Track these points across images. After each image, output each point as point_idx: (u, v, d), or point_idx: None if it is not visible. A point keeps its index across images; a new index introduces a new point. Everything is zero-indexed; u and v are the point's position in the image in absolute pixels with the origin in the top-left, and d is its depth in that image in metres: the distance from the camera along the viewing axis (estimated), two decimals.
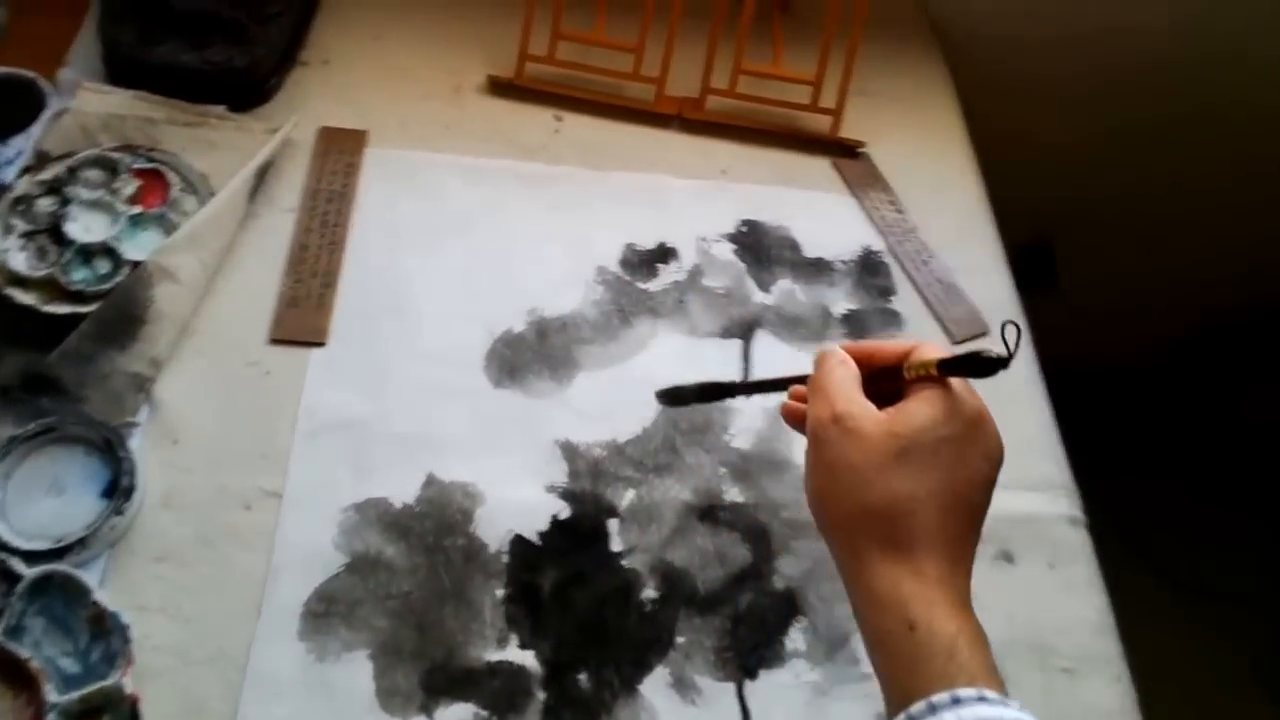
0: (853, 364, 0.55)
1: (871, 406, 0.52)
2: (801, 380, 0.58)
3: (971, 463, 0.50)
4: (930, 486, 0.49)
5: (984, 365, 0.50)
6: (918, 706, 0.44)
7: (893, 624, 0.47)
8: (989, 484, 0.51)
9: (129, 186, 0.81)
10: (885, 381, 0.54)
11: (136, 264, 0.77)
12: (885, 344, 0.56)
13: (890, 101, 1.09)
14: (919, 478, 0.49)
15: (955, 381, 0.52)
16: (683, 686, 0.70)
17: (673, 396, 0.70)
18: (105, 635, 0.63)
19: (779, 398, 0.79)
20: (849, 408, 0.51)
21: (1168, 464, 1.91)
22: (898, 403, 0.52)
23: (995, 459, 0.51)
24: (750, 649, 0.72)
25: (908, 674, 0.46)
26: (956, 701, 0.43)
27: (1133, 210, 1.51)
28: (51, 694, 0.60)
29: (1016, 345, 0.49)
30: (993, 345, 0.50)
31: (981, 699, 0.44)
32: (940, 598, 0.47)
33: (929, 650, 0.46)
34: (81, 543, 0.66)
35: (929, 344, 0.54)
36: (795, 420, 0.58)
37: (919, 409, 0.50)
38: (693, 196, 0.96)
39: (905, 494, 0.49)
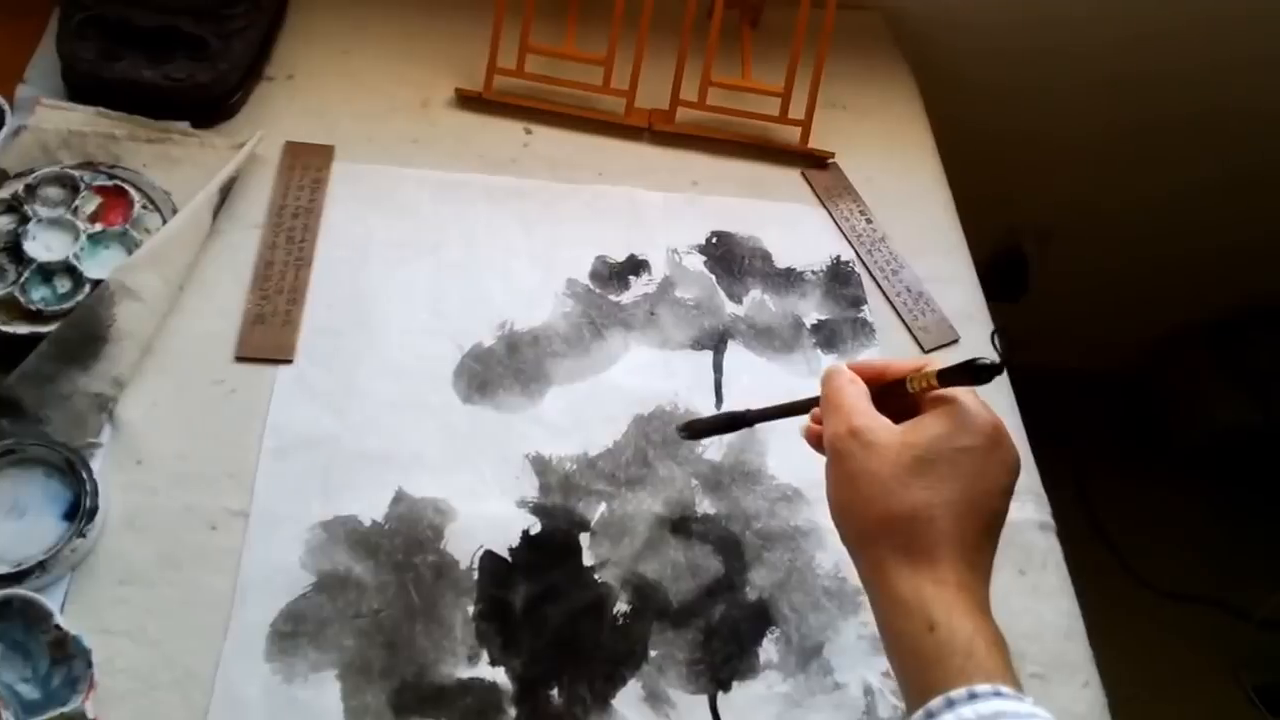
0: (861, 382, 0.57)
1: (886, 420, 0.54)
2: (818, 402, 0.60)
3: (989, 473, 0.52)
4: (948, 495, 0.51)
5: (980, 372, 0.52)
6: (936, 702, 0.46)
7: (914, 626, 0.49)
8: (1007, 493, 0.53)
9: (90, 204, 0.80)
10: (891, 399, 0.56)
11: (98, 282, 0.76)
12: (891, 362, 0.58)
13: (859, 113, 1.09)
14: (938, 487, 0.51)
15: (968, 396, 0.54)
16: (656, 700, 0.70)
17: (693, 430, 0.72)
18: (67, 660, 0.62)
19: (743, 409, 0.80)
20: (866, 421, 0.54)
21: (1141, 467, 1.93)
22: (911, 419, 0.54)
23: (1013, 469, 0.53)
24: (723, 661, 0.72)
25: (927, 673, 0.48)
26: (973, 697, 0.46)
27: (1102, 216, 1.53)
28: None
29: (1008, 350, 0.51)
30: (984, 353, 0.53)
31: (997, 694, 0.46)
32: (959, 601, 0.49)
33: (948, 649, 0.48)
34: (42, 566, 0.65)
35: (935, 361, 0.56)
36: (817, 441, 0.60)
37: (933, 422, 0.53)
38: (663, 209, 0.97)
39: (924, 503, 0.51)
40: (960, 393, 0.54)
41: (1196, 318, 1.83)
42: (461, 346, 0.83)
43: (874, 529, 0.52)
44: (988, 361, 0.51)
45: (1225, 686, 1.76)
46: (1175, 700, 1.68)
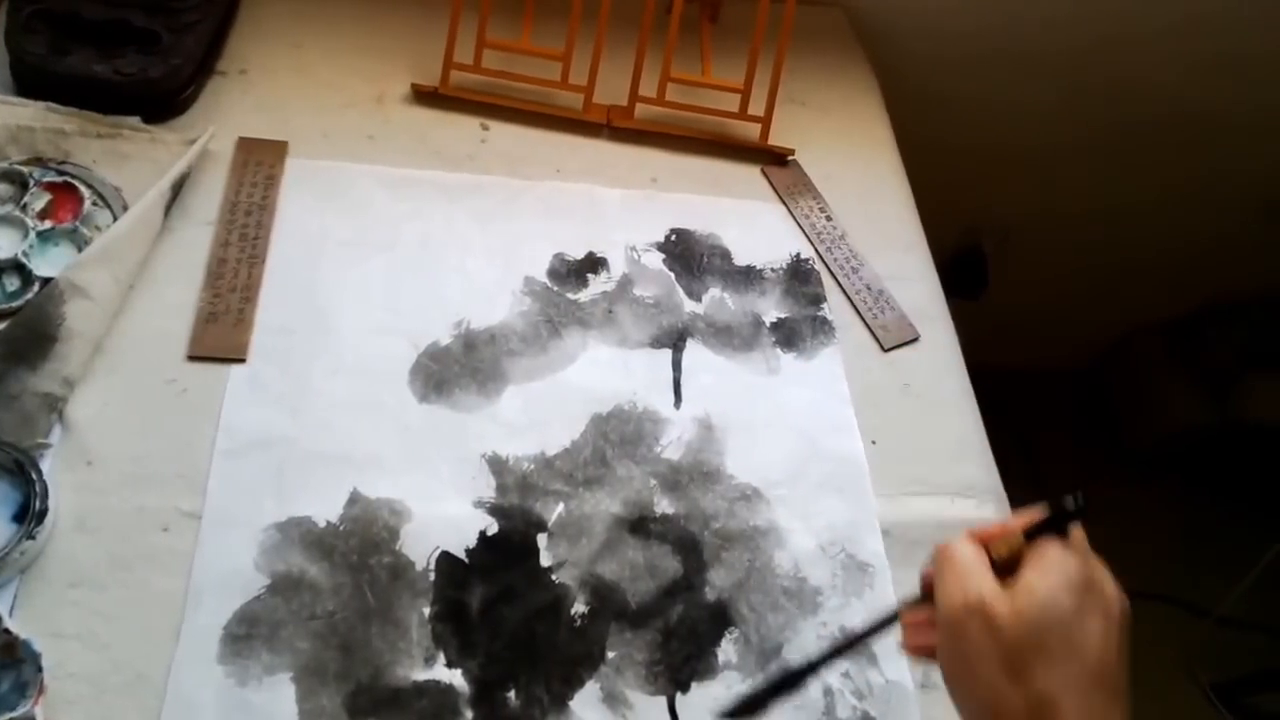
0: (976, 544, 0.55)
1: (997, 586, 0.52)
2: (892, 619, 0.59)
3: (1096, 630, 0.51)
4: (1067, 678, 0.50)
5: (1062, 519, 0.53)
6: None
7: None
8: (1121, 645, 0.52)
9: (39, 201, 0.80)
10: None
11: (47, 280, 0.76)
12: (993, 528, 0.56)
13: (819, 110, 1.11)
14: (1057, 671, 0.50)
15: (1056, 552, 0.53)
16: (614, 701, 0.70)
17: (747, 706, 0.61)
18: (16, 664, 0.62)
19: (701, 408, 0.80)
20: (979, 592, 0.52)
21: (1098, 465, 1.96)
22: (1016, 575, 0.53)
23: (1118, 617, 0.52)
24: (682, 661, 0.73)
25: None
26: None
27: (1061, 215, 1.55)
28: None
29: (1085, 502, 0.53)
30: (1064, 501, 0.54)
31: None
32: None
33: None
34: None
35: (1025, 514, 0.55)
36: (923, 647, 0.57)
37: (1038, 580, 0.51)
38: (622, 205, 0.97)
39: (1048, 689, 0.49)
40: (1049, 548, 0.53)
41: (1154, 316, 1.86)
42: (417, 345, 0.83)
43: (993, 715, 0.51)
44: (1069, 508, 0.52)
45: (1182, 684, 1.79)
46: (1132, 698, 1.70)
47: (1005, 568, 0.53)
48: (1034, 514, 0.54)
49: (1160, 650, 1.77)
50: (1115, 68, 1.31)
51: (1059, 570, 0.52)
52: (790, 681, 0.60)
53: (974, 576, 0.52)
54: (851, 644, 0.60)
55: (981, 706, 0.52)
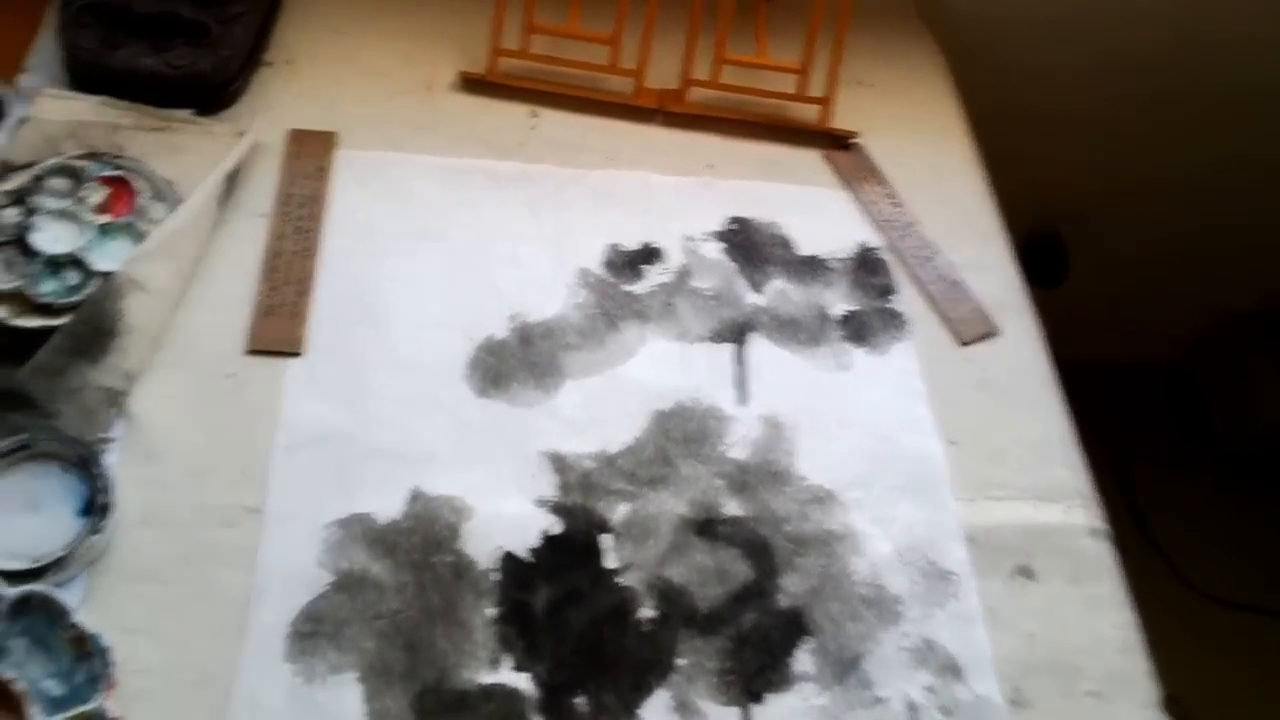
0: None
1: None
2: None
3: None
4: None
5: None
6: None
7: None
8: None
9: (95, 195, 0.85)
10: None
11: (106, 275, 0.81)
12: None
13: (883, 91, 1.13)
14: None
15: None
16: (685, 711, 0.72)
17: None
18: (88, 657, 0.66)
19: (768, 405, 0.81)
20: None
21: (1188, 464, 1.94)
22: None
23: None
24: (755, 671, 0.74)
25: None
26: None
27: (1143, 198, 1.55)
28: (37, 716, 0.63)
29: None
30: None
31: None
32: None
33: None
34: (59, 562, 0.69)
35: None
36: None
37: None
38: (677, 194, 1.00)
39: None
40: None
41: (1246, 305, 1.85)
42: (473, 339, 0.87)
43: None
44: None
45: None
46: (1248, 713, 1.68)
47: None
48: None
49: (1271, 664, 1.76)
50: (1200, 28, 1.30)
51: None
52: None
53: None
54: None
55: None
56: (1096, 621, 0.81)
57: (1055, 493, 0.87)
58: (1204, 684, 1.54)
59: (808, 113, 1.07)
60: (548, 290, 0.92)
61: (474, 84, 1.04)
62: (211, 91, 0.95)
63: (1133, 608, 0.82)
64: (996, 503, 0.85)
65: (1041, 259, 1.61)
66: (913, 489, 0.85)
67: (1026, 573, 0.82)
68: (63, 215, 0.84)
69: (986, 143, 1.12)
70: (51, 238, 0.83)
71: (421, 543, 0.77)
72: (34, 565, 0.69)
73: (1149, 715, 0.76)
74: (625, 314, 0.91)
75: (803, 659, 0.76)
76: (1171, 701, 0.52)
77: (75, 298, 0.80)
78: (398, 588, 0.74)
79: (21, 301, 0.80)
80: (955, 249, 1.01)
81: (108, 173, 0.86)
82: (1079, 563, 0.83)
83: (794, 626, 0.77)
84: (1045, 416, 0.92)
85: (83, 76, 0.92)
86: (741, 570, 0.79)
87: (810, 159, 1.06)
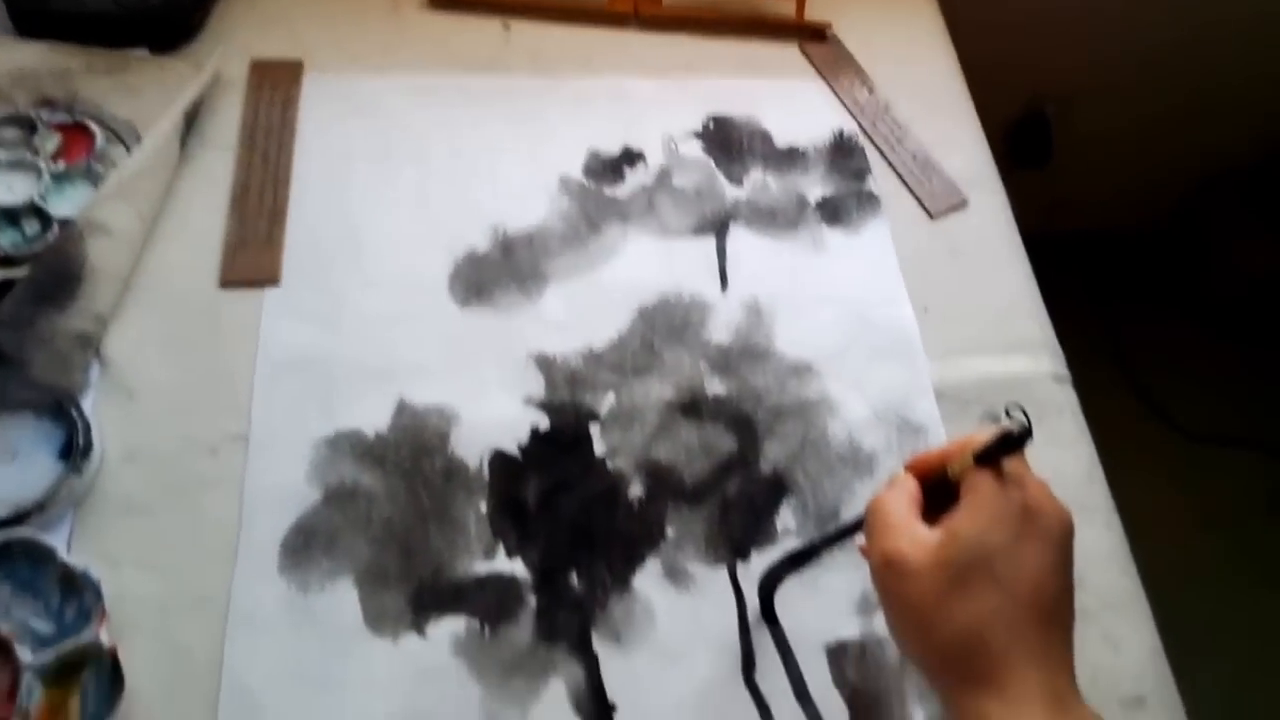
0: (909, 484, 0.56)
1: (922, 535, 0.53)
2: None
3: (1030, 560, 0.50)
4: (993, 605, 0.50)
5: (1013, 442, 0.52)
6: None
7: None
8: (1059, 567, 0.51)
9: (50, 142, 0.81)
10: (951, 488, 0.54)
11: (66, 222, 0.77)
12: (951, 447, 0.56)
13: None
14: (980, 601, 0.50)
15: (988, 484, 0.52)
16: (676, 575, 0.71)
17: (770, 579, 0.70)
18: (77, 593, 0.64)
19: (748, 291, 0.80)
20: (898, 545, 0.52)
21: (1176, 320, 2.00)
22: (950, 511, 0.53)
23: (1057, 539, 0.52)
24: (741, 532, 0.74)
25: None
26: None
27: (1126, 69, 1.52)
28: (25, 655, 0.61)
29: (1030, 425, 0.51)
30: (1011, 421, 0.52)
31: None
32: (1029, 712, 0.48)
33: None
34: (40, 506, 0.66)
35: (976, 435, 0.54)
36: None
37: (965, 521, 0.51)
38: (656, 96, 0.96)
39: (970, 625, 0.50)
40: (981, 481, 0.52)
41: (1231, 166, 1.83)
42: (454, 252, 0.84)
43: (927, 658, 0.52)
44: (1016, 430, 0.51)
45: (1264, 521, 1.82)
46: (1212, 537, 1.76)
47: (951, 492, 0.53)
48: (981, 437, 0.53)
49: (1247, 493, 1.83)
50: None
51: (989, 508, 0.51)
52: (800, 560, 0.69)
53: (895, 529, 0.53)
54: (853, 529, 0.62)
55: (917, 655, 0.52)
56: (1061, 457, 0.80)
57: (1021, 346, 0.87)
58: (1180, 511, 1.73)
59: (783, 7, 1.03)
60: (528, 200, 0.88)
61: (442, 0, 0.99)
62: (167, 27, 0.89)
63: (1094, 443, 0.82)
64: (965, 357, 0.85)
65: (1027, 140, 1.59)
66: (886, 354, 0.84)
67: (993, 417, 0.82)
68: (16, 165, 0.80)
69: (969, 29, 1.08)
70: (6, 188, 0.79)
71: (411, 451, 0.74)
72: (13, 513, 0.66)
73: (1110, 535, 0.78)
74: (607, 216, 0.88)
75: (785, 516, 0.76)
76: (1011, 419, 0.51)
77: (35, 246, 0.77)
78: (389, 495, 0.72)
79: None
80: (927, 130, 0.98)
81: (61, 119, 0.82)
82: (1044, 405, 0.83)
83: (776, 489, 0.77)
84: (1014, 280, 0.91)
85: (28, 21, 0.87)
86: (726, 444, 0.78)
87: (786, 53, 1.03)
